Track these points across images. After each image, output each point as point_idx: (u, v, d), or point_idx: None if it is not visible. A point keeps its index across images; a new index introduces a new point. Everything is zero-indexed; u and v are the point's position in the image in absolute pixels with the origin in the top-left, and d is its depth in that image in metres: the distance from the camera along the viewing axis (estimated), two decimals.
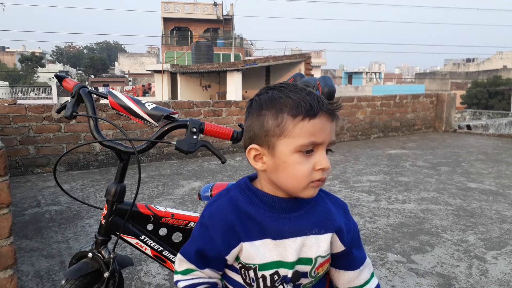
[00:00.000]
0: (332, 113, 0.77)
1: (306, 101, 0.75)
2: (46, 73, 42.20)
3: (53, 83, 28.70)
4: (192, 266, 0.85)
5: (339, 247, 0.85)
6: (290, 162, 0.76)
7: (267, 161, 0.78)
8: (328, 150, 0.79)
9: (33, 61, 44.18)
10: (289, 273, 0.80)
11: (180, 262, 0.87)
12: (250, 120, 0.80)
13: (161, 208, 1.30)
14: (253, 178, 0.86)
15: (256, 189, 0.83)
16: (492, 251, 2.31)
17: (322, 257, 0.83)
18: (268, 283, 0.81)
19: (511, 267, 2.13)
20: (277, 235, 0.80)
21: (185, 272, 0.86)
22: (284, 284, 0.81)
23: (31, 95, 30.84)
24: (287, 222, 0.80)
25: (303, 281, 0.83)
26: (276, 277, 0.80)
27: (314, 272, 0.83)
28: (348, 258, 0.87)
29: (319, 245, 0.82)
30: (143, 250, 1.28)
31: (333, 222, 0.84)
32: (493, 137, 6.99)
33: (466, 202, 3.22)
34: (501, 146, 6.01)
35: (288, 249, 0.80)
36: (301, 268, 0.81)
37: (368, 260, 0.91)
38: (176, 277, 0.87)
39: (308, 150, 0.75)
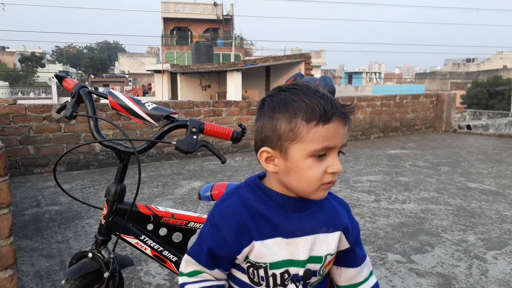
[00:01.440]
0: (346, 116, 0.77)
1: (320, 105, 0.74)
2: (46, 73, 42.24)
3: (53, 83, 28.71)
4: (200, 268, 0.84)
5: (345, 245, 0.87)
6: (303, 166, 0.75)
7: (279, 164, 0.78)
8: (339, 152, 0.79)
9: (33, 61, 44.18)
10: (300, 271, 0.81)
11: (187, 264, 0.85)
12: (262, 121, 0.79)
13: (161, 208, 1.30)
14: (262, 176, 0.86)
15: (266, 188, 0.83)
16: (492, 251, 2.31)
17: (331, 255, 0.85)
18: (278, 281, 0.81)
19: (511, 267, 2.13)
20: (289, 234, 0.80)
21: (192, 274, 0.84)
22: (296, 283, 0.82)
23: (31, 95, 30.83)
24: (298, 221, 0.81)
25: (312, 279, 0.84)
26: (286, 275, 0.81)
27: (322, 270, 0.84)
28: (351, 256, 0.89)
29: (328, 243, 0.84)
30: (143, 250, 1.28)
31: (340, 220, 0.86)
32: (493, 137, 6.99)
33: (466, 202, 3.22)
34: (501, 146, 6.01)
35: (300, 247, 0.81)
36: (312, 266, 0.83)
37: (368, 259, 0.93)
38: (182, 279, 0.85)
39: (321, 154, 0.75)
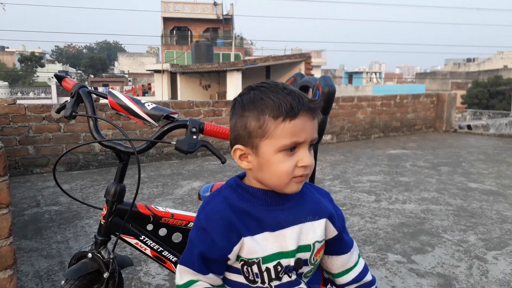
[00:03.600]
0: (313, 111, 0.79)
1: (286, 101, 0.76)
2: (46, 73, 42.25)
3: (53, 83, 28.73)
4: (194, 276, 0.83)
5: (332, 232, 0.90)
6: (273, 161, 0.78)
7: (252, 160, 0.81)
8: (312, 145, 0.81)
9: (32, 61, 44.20)
10: (291, 261, 0.83)
11: (182, 274, 0.85)
12: (234, 120, 0.82)
13: (160, 208, 1.29)
14: (242, 176, 0.88)
15: (247, 186, 0.85)
16: (492, 252, 2.31)
17: (319, 242, 0.87)
18: (273, 275, 0.83)
19: None
20: (276, 226, 0.83)
21: (188, 284, 0.84)
22: (289, 273, 0.83)
23: (31, 95, 30.83)
24: (282, 213, 0.84)
25: (304, 269, 0.86)
26: (279, 268, 0.82)
27: (313, 259, 0.86)
28: (340, 242, 0.93)
29: (315, 231, 0.86)
30: (143, 250, 1.27)
31: (324, 208, 0.89)
32: (493, 137, 6.99)
33: (466, 202, 3.22)
34: (501, 146, 6.01)
35: (287, 238, 0.83)
36: (302, 255, 0.84)
37: (355, 243, 0.97)
38: None
39: (291, 148, 0.78)
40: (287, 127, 0.76)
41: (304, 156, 0.78)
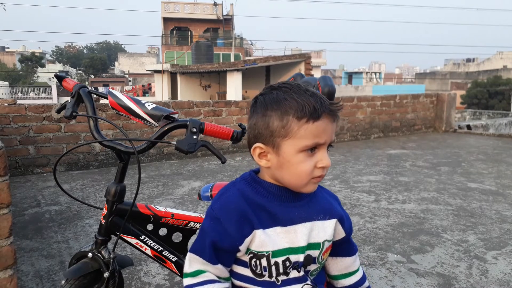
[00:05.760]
0: (334, 114, 0.80)
1: (310, 103, 0.78)
2: (46, 73, 42.26)
3: (53, 83, 28.73)
4: (203, 266, 0.84)
5: (341, 234, 0.92)
6: (294, 161, 0.79)
7: (272, 159, 0.82)
8: (328, 146, 0.82)
9: (33, 61, 44.17)
10: (300, 257, 0.84)
11: (191, 262, 0.86)
12: (255, 119, 0.82)
13: (161, 208, 1.29)
14: (257, 171, 0.89)
15: (262, 180, 0.86)
16: (492, 251, 2.31)
17: (328, 241, 0.88)
18: (281, 270, 0.83)
19: (511, 267, 2.13)
20: (288, 222, 0.84)
21: (196, 273, 0.85)
22: (298, 269, 0.84)
23: (31, 95, 30.82)
24: (295, 209, 0.85)
25: (312, 267, 0.87)
26: (287, 263, 0.83)
27: (321, 258, 0.88)
28: (347, 245, 0.95)
29: (325, 230, 0.88)
30: (143, 250, 1.27)
31: (335, 210, 0.90)
32: (493, 137, 6.99)
33: (466, 202, 3.22)
34: (501, 146, 6.01)
35: (299, 234, 0.84)
36: (311, 253, 0.86)
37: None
38: (186, 281, 0.85)
39: (311, 149, 0.79)
40: (310, 128, 0.77)
41: (323, 157, 0.80)
